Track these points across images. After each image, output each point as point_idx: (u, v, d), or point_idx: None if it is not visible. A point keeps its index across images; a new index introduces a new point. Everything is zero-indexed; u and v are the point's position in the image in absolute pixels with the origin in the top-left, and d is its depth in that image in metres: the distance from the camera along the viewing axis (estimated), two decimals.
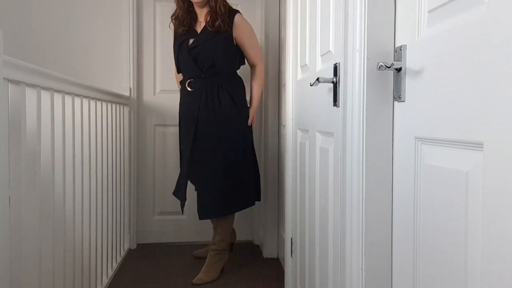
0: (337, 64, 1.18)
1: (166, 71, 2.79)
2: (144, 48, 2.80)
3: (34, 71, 1.19)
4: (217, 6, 2.09)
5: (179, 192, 2.27)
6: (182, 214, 2.50)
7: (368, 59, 0.99)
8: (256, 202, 2.70)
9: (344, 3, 1.10)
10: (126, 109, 2.61)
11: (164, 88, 2.78)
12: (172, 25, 2.26)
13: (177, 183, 2.36)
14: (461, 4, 0.75)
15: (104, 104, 2.04)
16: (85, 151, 1.72)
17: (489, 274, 0.65)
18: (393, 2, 1.00)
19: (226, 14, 2.11)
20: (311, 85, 1.33)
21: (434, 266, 0.82)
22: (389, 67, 0.94)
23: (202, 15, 2.17)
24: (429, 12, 0.85)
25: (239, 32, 2.16)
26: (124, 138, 2.54)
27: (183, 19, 2.16)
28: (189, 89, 2.17)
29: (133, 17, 2.71)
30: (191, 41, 2.14)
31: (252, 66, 2.27)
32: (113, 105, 2.24)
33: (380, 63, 0.92)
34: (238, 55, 2.21)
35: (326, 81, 1.21)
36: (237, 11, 2.18)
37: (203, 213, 2.16)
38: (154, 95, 2.83)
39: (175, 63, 2.28)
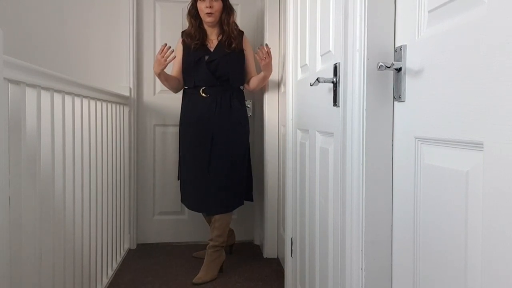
0: (337, 64, 1.18)
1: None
2: (144, 48, 2.80)
3: (34, 71, 1.19)
4: (230, 29, 2.34)
5: (190, 199, 2.36)
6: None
7: (368, 59, 0.99)
8: (257, 202, 2.77)
9: (344, 3, 1.10)
10: (126, 109, 2.61)
11: (164, 88, 2.77)
12: (180, 40, 2.43)
13: (184, 188, 2.40)
14: (461, 4, 0.75)
15: (104, 104, 2.04)
16: (85, 151, 1.72)
17: (489, 274, 0.65)
18: (393, 2, 1.00)
19: (239, 36, 2.38)
20: (311, 85, 1.33)
21: (434, 266, 0.82)
22: (389, 67, 0.94)
23: (212, 33, 2.39)
24: (429, 12, 0.85)
25: (247, 50, 2.44)
26: (124, 138, 2.54)
27: (195, 35, 2.35)
28: (204, 94, 2.32)
29: (133, 17, 2.71)
30: (206, 57, 2.33)
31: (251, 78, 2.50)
32: (113, 105, 2.24)
33: (380, 63, 0.92)
34: (245, 72, 2.45)
35: (326, 81, 1.21)
36: (243, 32, 2.45)
37: (215, 209, 2.29)
38: (154, 95, 2.83)
39: (183, 74, 2.40)
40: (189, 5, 2.36)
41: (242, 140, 2.35)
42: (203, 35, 2.36)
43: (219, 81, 2.32)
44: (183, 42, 2.39)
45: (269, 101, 2.59)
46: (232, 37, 2.33)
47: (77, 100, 1.63)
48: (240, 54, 2.38)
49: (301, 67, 1.70)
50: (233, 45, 2.32)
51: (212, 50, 2.34)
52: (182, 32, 2.44)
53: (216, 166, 2.27)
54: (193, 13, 2.34)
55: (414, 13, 0.90)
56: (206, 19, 2.29)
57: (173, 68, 2.43)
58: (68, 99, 1.53)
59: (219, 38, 2.36)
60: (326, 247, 1.33)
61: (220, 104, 2.30)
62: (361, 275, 1.03)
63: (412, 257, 0.90)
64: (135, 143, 2.75)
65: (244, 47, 2.40)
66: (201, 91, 2.32)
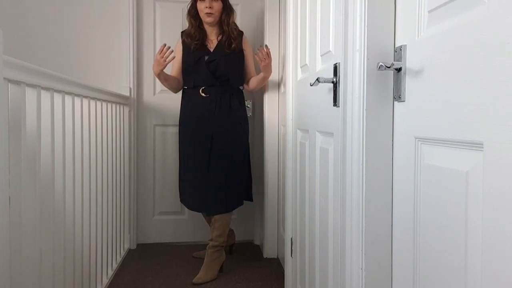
0: (337, 64, 1.18)
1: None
2: (144, 48, 2.80)
3: (34, 71, 1.19)
4: (230, 29, 2.34)
5: (190, 199, 2.37)
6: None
7: (368, 59, 0.99)
8: (257, 202, 2.76)
9: (344, 3, 1.10)
10: (126, 109, 2.61)
11: (164, 88, 2.76)
12: (180, 40, 2.42)
13: (184, 188, 2.40)
14: (461, 4, 0.75)
15: (104, 104, 2.04)
16: (85, 151, 1.72)
17: (489, 274, 0.65)
18: (393, 2, 1.00)
19: (238, 36, 2.37)
20: (311, 85, 1.33)
21: (434, 266, 0.82)
22: (389, 67, 0.94)
23: (212, 33, 2.38)
24: (429, 12, 0.85)
25: (246, 50, 2.43)
26: (124, 138, 2.54)
27: (195, 35, 2.34)
28: (203, 94, 2.32)
29: (133, 17, 2.71)
30: (206, 57, 2.32)
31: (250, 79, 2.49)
32: (113, 105, 2.24)
33: (380, 63, 0.92)
34: (245, 72, 2.45)
35: (326, 81, 1.21)
36: (242, 32, 2.45)
37: (214, 209, 2.29)
38: (154, 95, 2.83)
39: (183, 74, 2.40)
40: (189, 5, 2.36)
41: (241, 140, 2.34)
42: (203, 35, 2.36)
43: (219, 81, 2.31)
44: (183, 42, 2.39)
45: (269, 101, 2.59)
46: (232, 37, 2.33)
47: (77, 100, 1.63)
48: (240, 54, 2.38)
49: (301, 67, 1.70)
50: (233, 45, 2.32)
51: (211, 50, 2.34)
52: (182, 32, 2.44)
53: (216, 166, 2.26)
54: (193, 13, 2.33)
55: (414, 13, 0.90)
56: (206, 19, 2.29)
57: (173, 68, 2.43)
58: (68, 99, 1.53)
59: (219, 38, 2.36)
60: (326, 247, 1.33)
61: (219, 104, 2.30)
62: (361, 275, 1.03)
63: (412, 257, 0.90)
64: (135, 143, 2.75)
65: (243, 47, 2.40)
66: (200, 91, 2.32)
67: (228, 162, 2.28)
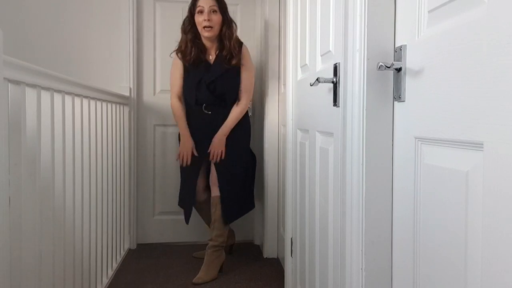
0: (337, 64, 1.18)
1: (166, 72, 2.78)
2: (144, 48, 2.80)
3: (34, 71, 1.19)
4: (231, 44, 2.19)
5: (187, 202, 2.39)
6: (187, 223, 2.45)
7: (368, 59, 0.99)
8: (257, 202, 2.76)
9: (344, 3, 1.10)
10: (126, 109, 2.61)
11: (164, 88, 2.77)
12: (174, 55, 2.31)
13: (183, 192, 2.42)
14: (461, 4, 0.75)
15: (104, 104, 2.04)
16: (85, 151, 1.72)
17: (489, 274, 0.65)
18: (393, 2, 1.00)
19: (240, 51, 2.23)
20: (311, 85, 1.33)
21: (434, 266, 0.82)
22: (389, 67, 0.94)
23: (212, 48, 2.27)
24: (429, 12, 0.85)
25: (244, 64, 2.27)
26: (124, 138, 2.54)
27: (190, 51, 2.22)
28: (205, 111, 2.27)
29: (133, 17, 2.71)
30: (207, 76, 2.21)
31: (238, 100, 2.30)
32: (113, 105, 2.24)
33: (380, 63, 0.92)
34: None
35: (326, 81, 1.21)
36: (242, 43, 2.29)
37: (228, 218, 2.32)
38: (154, 95, 2.83)
39: (184, 91, 2.32)
40: (185, 19, 2.24)
41: (242, 156, 2.33)
42: (199, 49, 2.23)
43: (218, 100, 2.26)
44: (181, 60, 2.28)
45: (269, 101, 2.59)
46: (234, 53, 2.20)
47: (77, 100, 1.63)
48: (238, 71, 2.26)
49: (301, 67, 1.70)
50: (233, 62, 2.20)
51: (211, 63, 2.25)
52: (175, 50, 2.30)
53: (221, 180, 2.26)
54: (188, 29, 2.21)
55: (414, 13, 0.90)
56: (204, 34, 2.17)
57: (175, 84, 2.34)
58: (68, 99, 1.53)
59: (217, 53, 2.25)
60: (326, 247, 1.33)
61: (222, 121, 2.26)
62: (361, 275, 1.03)
63: (412, 257, 0.90)
64: (135, 143, 2.75)
65: (242, 62, 2.25)
66: (203, 108, 2.27)
67: (229, 177, 2.27)
